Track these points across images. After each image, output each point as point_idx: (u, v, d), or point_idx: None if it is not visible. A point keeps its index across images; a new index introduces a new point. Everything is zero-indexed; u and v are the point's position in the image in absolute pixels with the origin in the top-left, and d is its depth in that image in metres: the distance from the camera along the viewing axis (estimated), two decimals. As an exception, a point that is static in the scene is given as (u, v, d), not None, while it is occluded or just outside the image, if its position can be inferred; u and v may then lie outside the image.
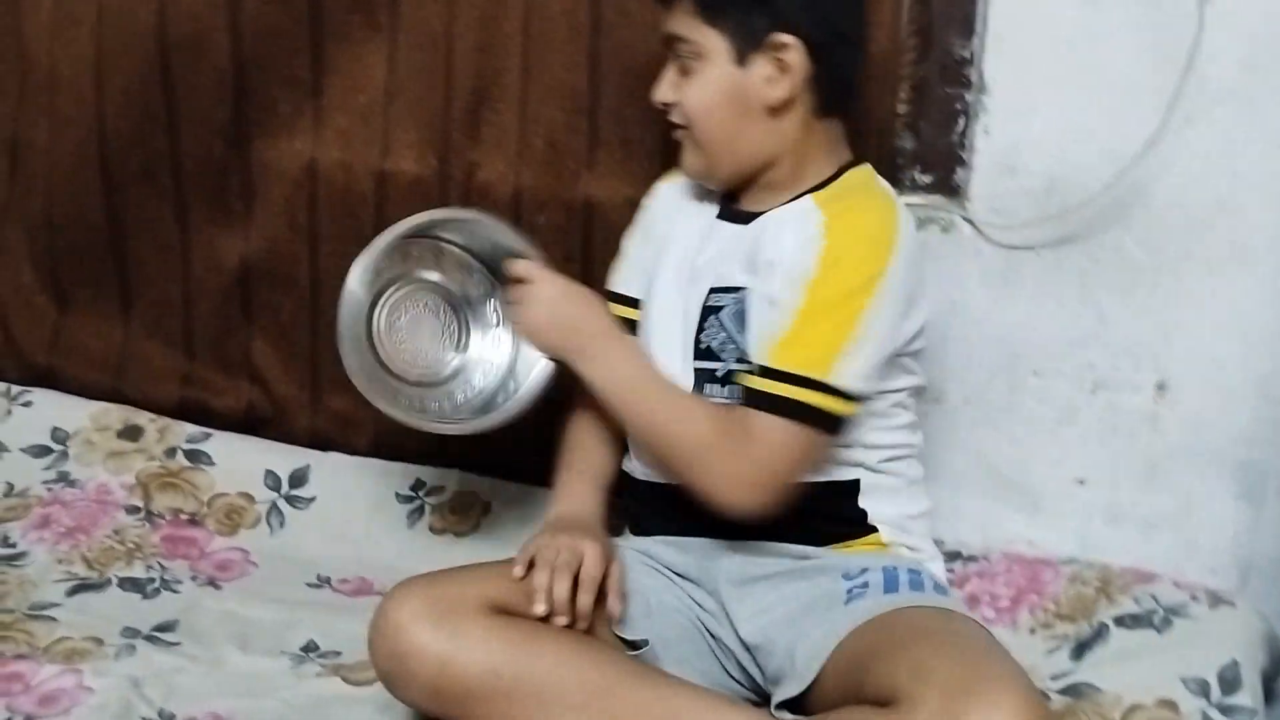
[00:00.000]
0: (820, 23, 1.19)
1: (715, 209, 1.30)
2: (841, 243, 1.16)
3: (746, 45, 1.19)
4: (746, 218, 1.26)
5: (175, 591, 1.46)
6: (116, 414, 1.67)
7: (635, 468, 1.30)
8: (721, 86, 1.21)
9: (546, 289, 1.28)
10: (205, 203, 1.66)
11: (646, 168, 1.49)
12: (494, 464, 1.62)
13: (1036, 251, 1.43)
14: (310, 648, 1.37)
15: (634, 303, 1.34)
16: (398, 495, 1.60)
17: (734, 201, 1.29)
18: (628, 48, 1.47)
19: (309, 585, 1.50)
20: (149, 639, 1.35)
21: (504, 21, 1.51)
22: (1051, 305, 1.43)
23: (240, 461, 1.63)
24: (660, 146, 1.49)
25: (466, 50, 1.53)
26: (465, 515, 1.58)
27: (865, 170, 1.27)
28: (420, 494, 1.60)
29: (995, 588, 1.40)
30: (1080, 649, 1.30)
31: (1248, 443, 1.41)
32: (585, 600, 1.14)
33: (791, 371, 1.13)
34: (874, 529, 1.24)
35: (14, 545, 1.51)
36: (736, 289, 1.22)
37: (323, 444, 1.66)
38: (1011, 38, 1.40)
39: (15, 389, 1.70)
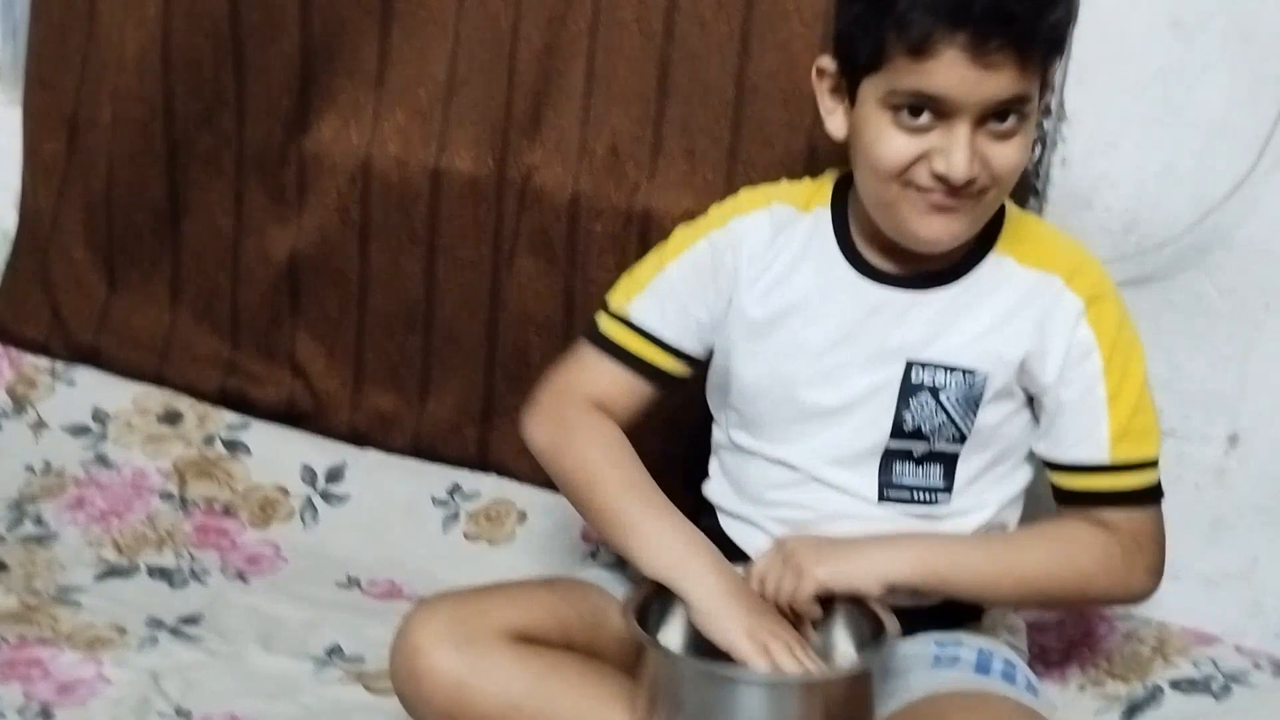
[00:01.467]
0: None
1: (837, 259, 1.16)
2: (1113, 330, 1.13)
3: (1047, 79, 1.08)
4: (921, 280, 1.13)
5: (203, 583, 1.44)
6: (158, 397, 1.66)
7: (739, 532, 1.19)
8: (1032, 133, 1.09)
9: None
10: (261, 190, 1.64)
11: (710, 181, 1.45)
12: (533, 472, 1.59)
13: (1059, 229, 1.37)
14: (334, 651, 1.34)
15: (676, 353, 1.20)
16: (433, 499, 1.57)
17: (854, 251, 1.15)
18: (698, 58, 1.43)
19: (338, 585, 1.48)
20: (173, 631, 1.34)
21: (571, 22, 1.48)
22: (1121, 348, 1.37)
23: (278, 453, 1.61)
24: (725, 160, 1.45)
25: (532, 49, 1.49)
26: (500, 523, 1.55)
27: (1018, 209, 1.19)
28: (456, 498, 1.57)
29: (1046, 640, 1.35)
30: (1131, 711, 1.24)
31: (1321, 504, 1.35)
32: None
33: (1136, 461, 1.13)
34: (979, 614, 1.18)
35: (46, 525, 1.50)
36: (959, 370, 1.11)
37: (361, 441, 1.63)
38: (1097, 67, 1.34)
39: (60, 366, 1.69)
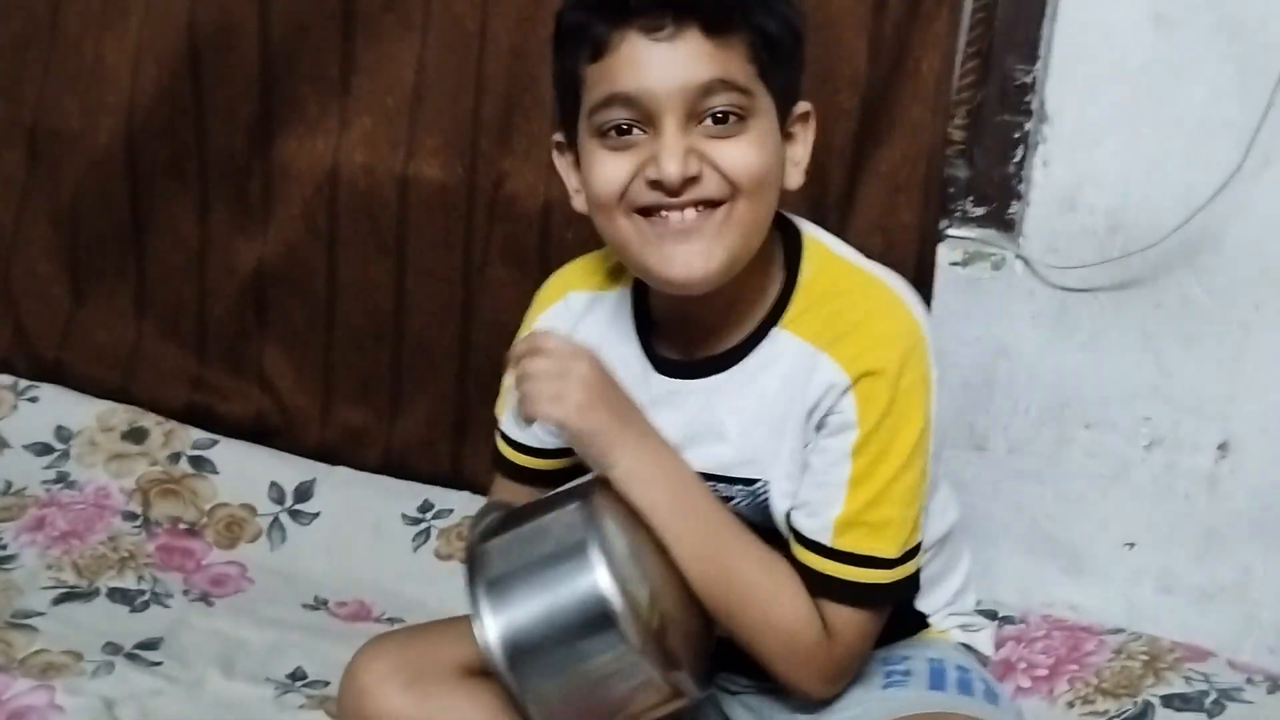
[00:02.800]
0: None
1: (632, 343, 1.07)
2: (878, 411, 0.97)
3: (785, 111, 0.99)
4: (700, 368, 1.03)
5: (165, 606, 1.40)
6: (123, 414, 1.62)
7: None
8: (774, 153, 0.97)
9: (578, 365, 0.98)
10: (226, 201, 1.60)
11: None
12: (507, 489, 1.55)
13: (1095, 295, 1.33)
14: (297, 675, 1.30)
15: (539, 452, 1.13)
16: (404, 516, 1.53)
17: (650, 338, 1.06)
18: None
19: (305, 606, 1.43)
20: (130, 656, 1.29)
21: (540, 25, 1.44)
22: (1108, 353, 1.34)
23: (245, 471, 1.56)
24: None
25: (500, 54, 1.46)
26: (473, 541, 1.51)
27: (820, 255, 1.04)
28: (427, 516, 1.53)
29: (1032, 654, 1.30)
30: (1122, 729, 1.20)
31: (1317, 513, 1.31)
32: None
33: (861, 554, 0.99)
34: (924, 620, 1.11)
35: (5, 547, 1.46)
36: (743, 481, 1.02)
37: (331, 457, 1.59)
38: (1078, 64, 1.30)
39: (23, 383, 1.65)
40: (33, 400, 1.63)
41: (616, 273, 1.12)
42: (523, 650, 0.90)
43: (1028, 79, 1.35)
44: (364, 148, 1.52)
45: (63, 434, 1.60)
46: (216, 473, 1.56)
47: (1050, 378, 1.36)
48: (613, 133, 0.96)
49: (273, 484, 1.55)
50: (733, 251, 0.97)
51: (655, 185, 0.95)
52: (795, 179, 1.02)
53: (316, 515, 1.53)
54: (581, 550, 0.91)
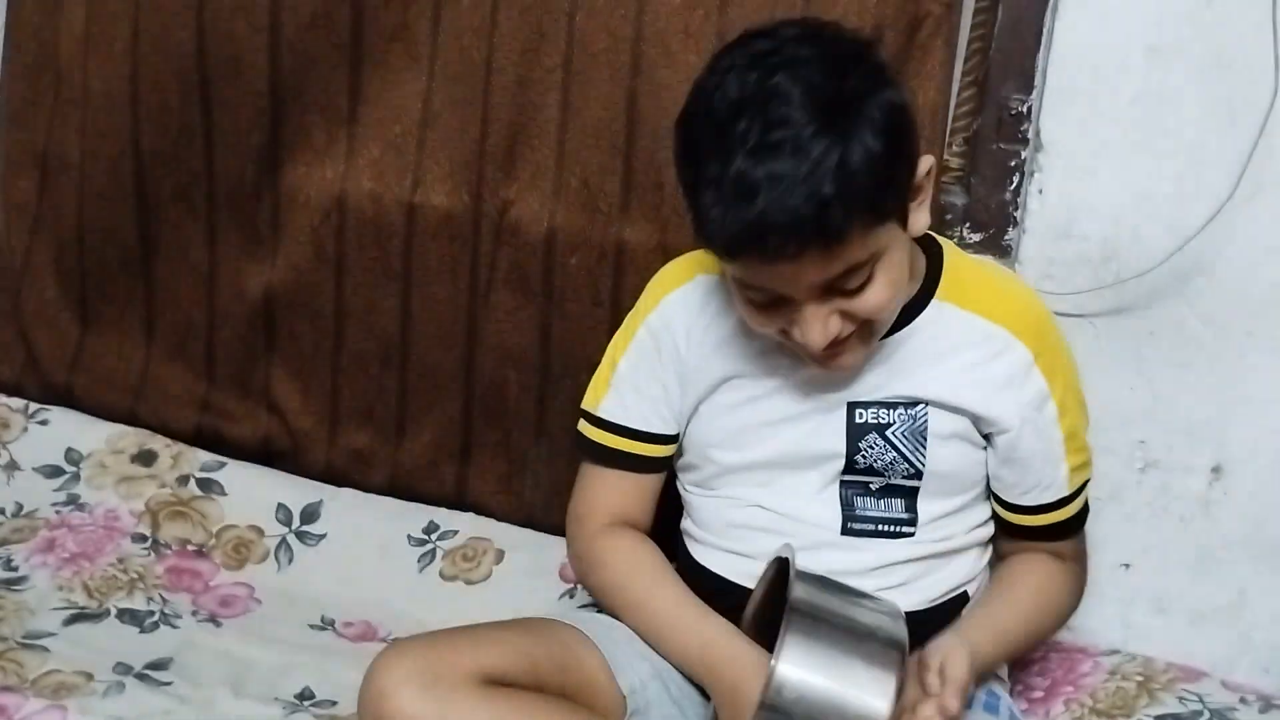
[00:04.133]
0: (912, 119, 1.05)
1: None
2: (1063, 377, 1.16)
3: (905, 204, 1.05)
4: None
5: (174, 626, 1.41)
6: (132, 437, 1.64)
7: (715, 561, 1.19)
8: (903, 260, 1.06)
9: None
10: (235, 227, 1.62)
11: (680, 212, 1.42)
12: (510, 510, 1.57)
13: (1090, 320, 1.36)
14: (305, 695, 1.32)
15: (654, 437, 1.21)
16: (410, 538, 1.55)
17: None
18: (666, 89, 1.42)
19: (312, 627, 1.45)
20: (140, 677, 1.31)
21: (545, 56, 1.47)
22: (1103, 378, 1.36)
23: (253, 493, 1.58)
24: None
25: (505, 84, 1.48)
26: (477, 562, 1.53)
27: (949, 245, 1.19)
28: (433, 537, 1.55)
29: (1029, 676, 1.32)
30: (1117, 749, 1.22)
31: (1309, 535, 1.33)
32: None
33: (1082, 486, 1.20)
34: None
35: (16, 569, 1.47)
36: (901, 404, 1.13)
37: (338, 479, 1.61)
38: (1072, 94, 1.33)
39: (33, 407, 1.67)
40: (43, 423, 1.65)
41: None
42: (788, 698, 0.97)
43: (1023, 108, 1.37)
44: (371, 175, 1.55)
45: (73, 457, 1.62)
46: (224, 495, 1.58)
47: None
48: (749, 294, 1.06)
49: (280, 506, 1.57)
50: (874, 344, 1.11)
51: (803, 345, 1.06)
52: (922, 222, 1.08)
53: (323, 537, 1.55)
54: (888, 666, 0.99)
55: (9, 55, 1.66)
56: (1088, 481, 1.20)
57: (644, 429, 1.21)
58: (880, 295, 1.04)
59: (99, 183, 1.64)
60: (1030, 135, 1.37)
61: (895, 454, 1.13)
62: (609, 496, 1.23)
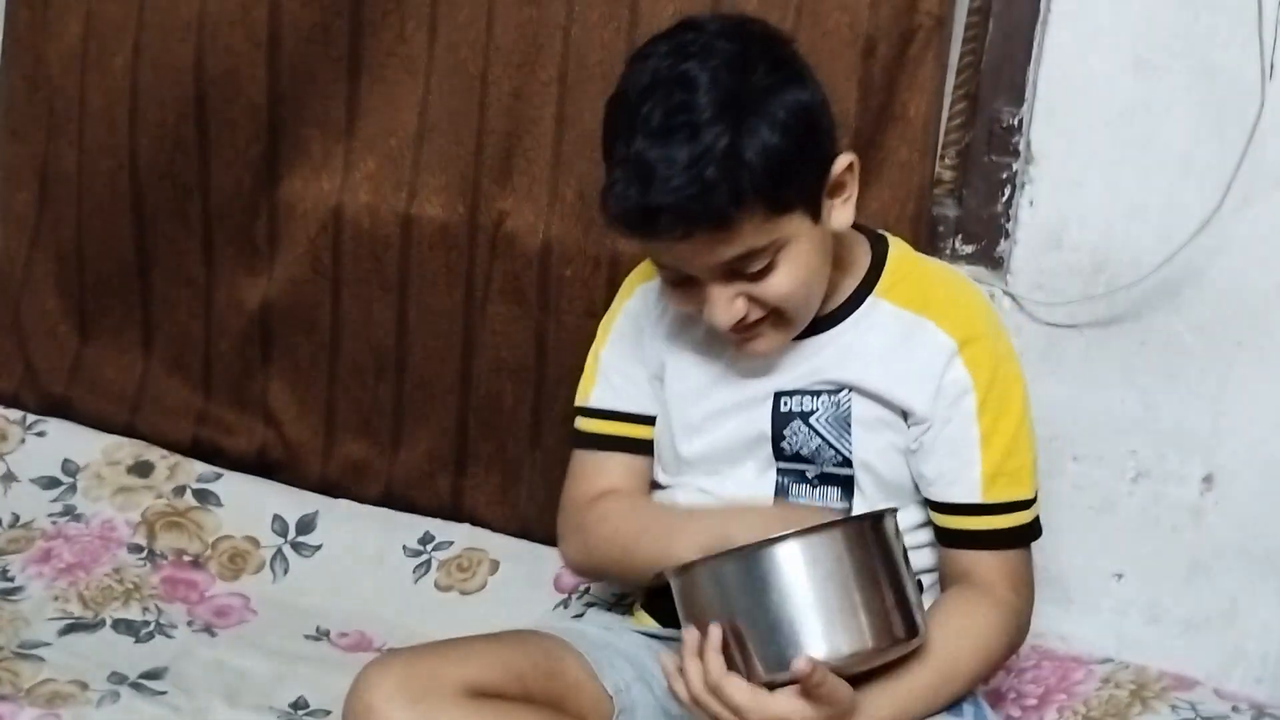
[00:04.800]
0: (831, 114, 1.08)
1: None
2: (988, 372, 1.12)
3: (819, 198, 1.07)
4: (805, 329, 1.14)
5: (169, 636, 1.42)
6: (129, 449, 1.64)
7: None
8: (812, 252, 1.07)
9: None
10: (231, 240, 1.63)
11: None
12: (506, 521, 1.57)
13: (1080, 330, 1.36)
14: (300, 705, 1.32)
15: (640, 418, 1.22)
16: (405, 548, 1.55)
17: None
18: (663, 101, 1.43)
19: (307, 637, 1.45)
20: (135, 686, 1.31)
21: (540, 69, 1.48)
22: (1094, 388, 1.37)
23: (249, 504, 1.59)
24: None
25: (501, 96, 1.50)
26: (472, 573, 1.53)
27: (901, 246, 1.19)
28: (428, 548, 1.55)
29: (1022, 685, 1.32)
30: (1110, 757, 1.22)
31: (1300, 544, 1.33)
32: None
33: (1008, 501, 1.13)
34: None
35: (12, 579, 1.48)
36: (825, 390, 1.13)
37: (333, 490, 1.62)
38: (1062, 107, 1.34)
39: (30, 418, 1.68)
40: (40, 435, 1.66)
41: None
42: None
43: (1014, 121, 1.39)
44: (368, 188, 1.56)
45: (69, 468, 1.62)
46: (220, 506, 1.59)
47: (1038, 411, 1.36)
48: (663, 271, 1.09)
49: (276, 517, 1.58)
50: (797, 330, 1.11)
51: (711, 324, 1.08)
52: (843, 219, 1.10)
53: (319, 548, 1.56)
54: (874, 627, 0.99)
55: (6, 69, 1.67)
56: (1024, 507, 1.12)
57: (634, 410, 1.22)
58: (784, 282, 1.06)
59: (97, 196, 1.65)
60: (1021, 148, 1.38)
61: (820, 440, 1.14)
62: (601, 479, 1.23)
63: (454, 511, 1.59)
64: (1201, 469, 1.35)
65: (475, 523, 1.58)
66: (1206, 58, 1.29)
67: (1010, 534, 1.12)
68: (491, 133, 1.51)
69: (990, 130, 1.40)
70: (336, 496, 1.61)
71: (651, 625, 1.23)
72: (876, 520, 1.01)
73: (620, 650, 1.18)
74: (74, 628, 1.41)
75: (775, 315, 1.09)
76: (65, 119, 1.64)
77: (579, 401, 1.25)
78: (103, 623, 1.42)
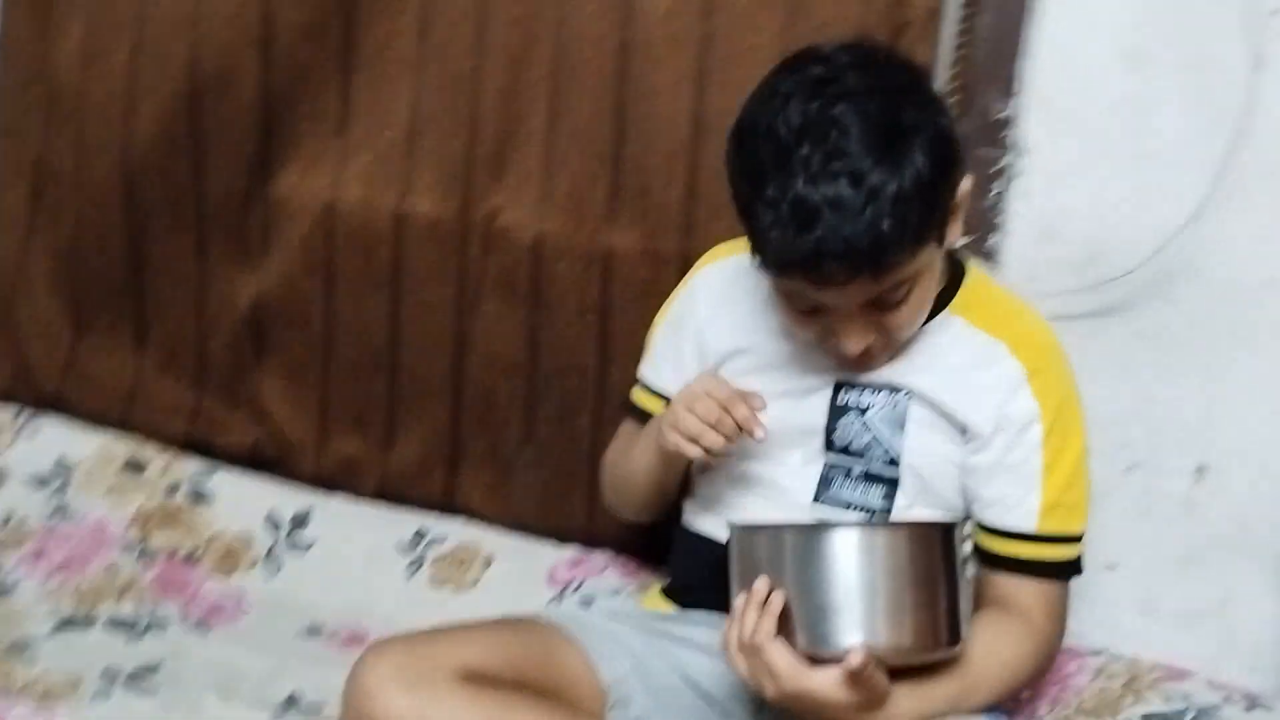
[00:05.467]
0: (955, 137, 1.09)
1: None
2: (1056, 402, 1.13)
3: (944, 224, 1.09)
4: None
5: (162, 633, 1.42)
6: (122, 446, 1.65)
7: (706, 524, 1.23)
8: (934, 276, 1.11)
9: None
10: (225, 236, 1.63)
11: (668, 219, 1.45)
12: (500, 514, 1.57)
13: (1073, 322, 1.36)
14: (293, 700, 1.32)
15: None
16: (399, 544, 1.55)
17: None
18: (653, 96, 1.43)
19: (300, 633, 1.45)
20: (127, 683, 1.31)
21: (532, 66, 1.48)
22: (1087, 380, 1.35)
23: (242, 500, 1.59)
24: (683, 198, 1.45)
25: (493, 92, 1.50)
26: (466, 567, 1.53)
27: (978, 269, 1.21)
28: (422, 543, 1.55)
29: (1016, 677, 1.32)
30: (1103, 748, 1.22)
31: (1293, 535, 1.33)
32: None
33: (1062, 534, 1.14)
34: None
35: (4, 577, 1.48)
36: (885, 388, 1.15)
37: (327, 486, 1.62)
38: (1054, 100, 1.34)
39: (24, 415, 1.68)
40: (34, 432, 1.67)
41: None
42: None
43: (1006, 114, 1.39)
44: (361, 184, 1.56)
45: (63, 465, 1.62)
46: (214, 502, 1.59)
47: (1031, 404, 1.39)
48: (792, 300, 1.10)
49: (269, 513, 1.58)
50: (898, 350, 1.14)
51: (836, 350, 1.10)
52: (955, 235, 1.12)
53: (313, 544, 1.56)
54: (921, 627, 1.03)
55: (3, 63, 1.67)
56: (1073, 541, 1.14)
57: (666, 392, 1.24)
58: (914, 310, 1.10)
59: (91, 193, 1.66)
60: (1012, 141, 1.38)
61: (871, 436, 1.15)
62: None
63: (448, 507, 1.59)
64: (1194, 460, 1.35)
65: (469, 518, 1.58)
66: (1196, 50, 1.29)
67: (1056, 566, 1.14)
68: (484, 129, 1.51)
69: (982, 123, 1.40)
70: (330, 493, 1.61)
71: (665, 609, 1.24)
72: (948, 529, 1.04)
73: (621, 641, 1.18)
74: (67, 625, 1.41)
75: (887, 342, 1.12)
76: (63, 117, 1.64)
77: (639, 373, 1.31)
78: (96, 620, 1.42)
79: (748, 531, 1.05)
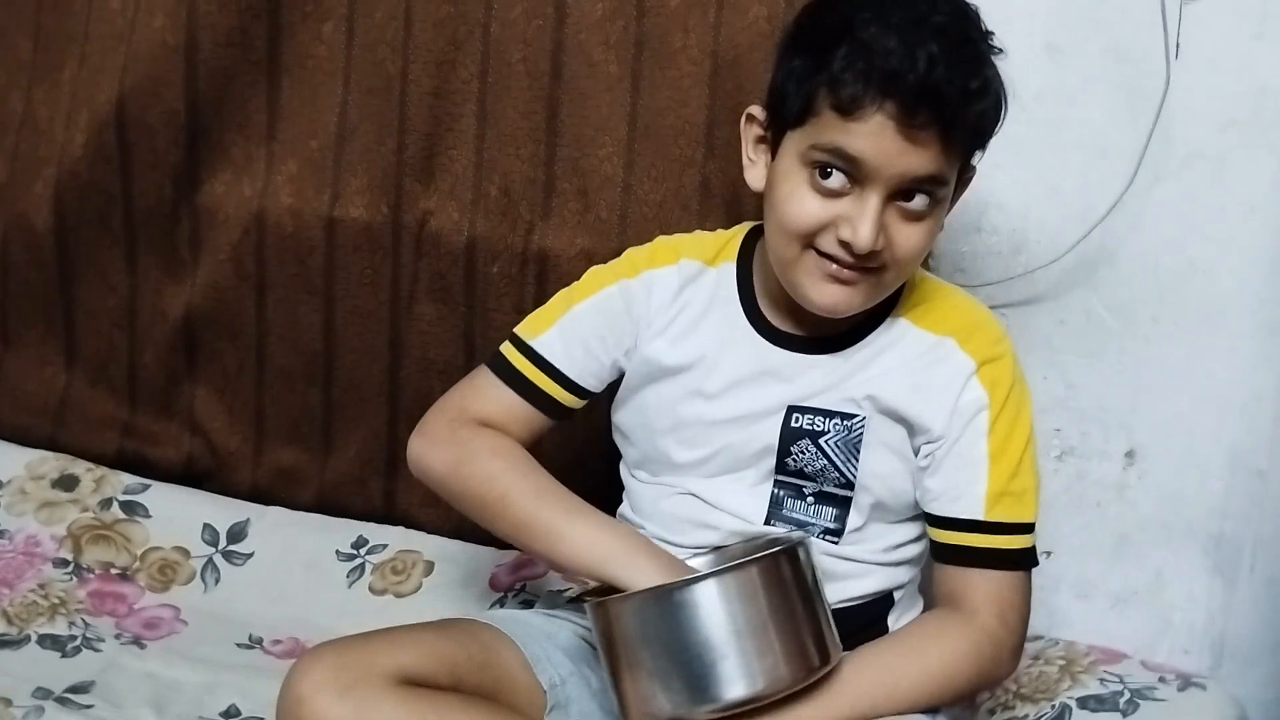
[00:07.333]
0: None
1: (738, 317, 1.17)
2: (1004, 392, 1.13)
3: (966, 165, 1.10)
4: (818, 344, 1.15)
5: (96, 650, 1.39)
6: (53, 463, 1.61)
7: (648, 532, 1.18)
8: (937, 227, 1.10)
9: None
10: (154, 247, 1.61)
11: (604, 219, 1.45)
12: (440, 521, 1.56)
13: (1001, 312, 1.38)
14: (231, 713, 1.30)
15: (574, 387, 1.20)
16: (338, 553, 1.54)
17: (756, 309, 1.17)
18: (588, 97, 1.43)
19: (239, 646, 1.43)
20: (60, 700, 1.28)
21: (460, 67, 1.48)
22: (1017, 369, 1.38)
23: (177, 514, 1.56)
24: (620, 198, 1.45)
25: (421, 95, 1.49)
26: (407, 575, 1.52)
27: (920, 272, 1.20)
28: (362, 551, 1.54)
29: (954, 664, 1.33)
30: (1041, 732, 1.23)
31: (1221, 515, 1.36)
32: None
33: (1010, 521, 1.12)
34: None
35: (-67, 598, 1.45)
36: (839, 414, 1.13)
37: (264, 498, 1.60)
38: (977, 92, 1.36)
39: (-50, 436, 1.64)
40: (-39, 452, 1.63)
41: (723, 253, 1.22)
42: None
43: (931, 108, 1.40)
44: (290, 191, 1.54)
45: (-8, 484, 1.59)
46: (149, 517, 1.56)
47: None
48: (821, 173, 1.06)
49: (206, 526, 1.55)
50: (874, 299, 1.11)
51: (843, 244, 1.06)
52: (948, 212, 1.12)
53: (250, 555, 1.54)
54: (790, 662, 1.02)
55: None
56: (1023, 530, 1.13)
57: (572, 377, 1.20)
58: (922, 238, 1.08)
59: (20, 207, 1.63)
60: (938, 133, 1.39)
61: (826, 462, 1.14)
62: (495, 410, 1.19)
63: (387, 514, 1.58)
64: (1124, 445, 1.37)
65: (408, 525, 1.57)
66: (1115, 41, 1.31)
67: (1006, 555, 1.12)
68: (413, 132, 1.50)
69: (908, 117, 1.41)
70: (268, 504, 1.59)
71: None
72: (791, 555, 1.03)
73: (560, 643, 1.18)
74: (-2, 645, 1.38)
75: (877, 274, 1.08)
76: (11, 134, 1.61)
77: (525, 333, 1.21)
78: (28, 639, 1.39)
79: (599, 608, 1.03)
